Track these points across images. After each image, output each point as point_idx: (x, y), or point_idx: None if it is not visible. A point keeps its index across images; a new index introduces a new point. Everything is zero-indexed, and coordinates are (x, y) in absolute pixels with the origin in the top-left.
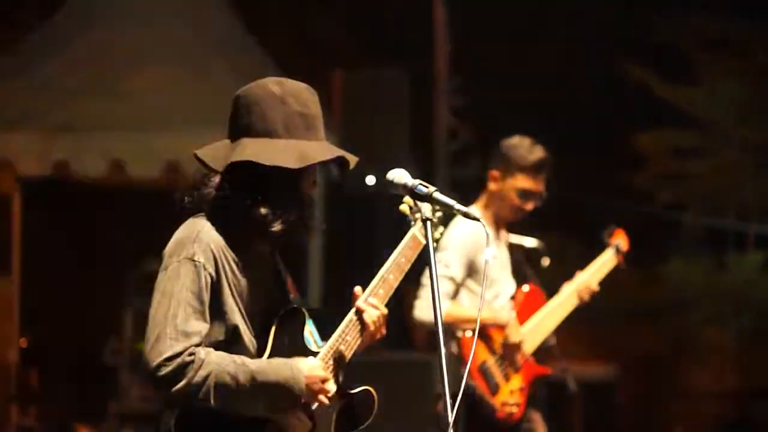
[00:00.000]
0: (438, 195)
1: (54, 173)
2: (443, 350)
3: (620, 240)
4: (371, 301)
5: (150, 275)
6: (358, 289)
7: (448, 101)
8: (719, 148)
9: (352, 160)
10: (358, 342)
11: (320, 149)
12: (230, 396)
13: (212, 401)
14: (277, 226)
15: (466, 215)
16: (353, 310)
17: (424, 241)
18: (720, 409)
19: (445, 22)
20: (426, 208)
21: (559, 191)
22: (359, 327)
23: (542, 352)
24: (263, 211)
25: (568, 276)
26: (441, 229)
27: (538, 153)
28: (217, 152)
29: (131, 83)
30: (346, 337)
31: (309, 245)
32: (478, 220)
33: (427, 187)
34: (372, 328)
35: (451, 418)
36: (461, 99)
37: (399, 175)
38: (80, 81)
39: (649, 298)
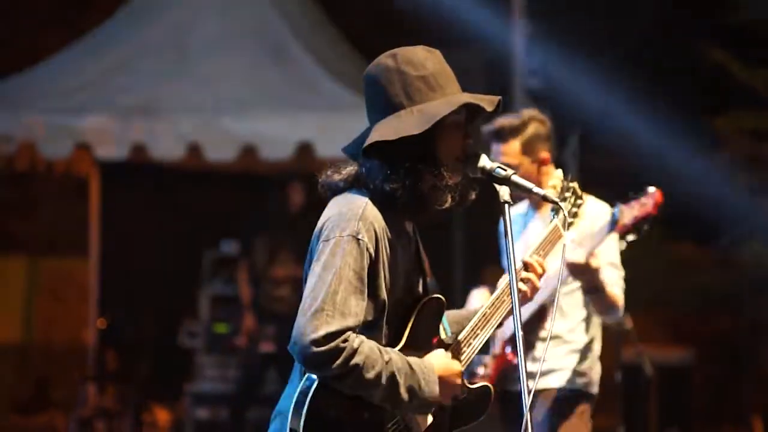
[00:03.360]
0: (516, 178)
1: (131, 156)
2: (520, 334)
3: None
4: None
5: (226, 258)
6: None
7: (524, 83)
8: None
9: (485, 101)
10: (487, 336)
11: (443, 104)
12: (367, 388)
13: (350, 389)
14: (410, 197)
15: (545, 198)
16: (486, 304)
17: (564, 233)
18: None
19: (522, 2)
20: (504, 191)
21: (637, 174)
22: (492, 320)
23: (619, 336)
24: (395, 184)
25: (645, 257)
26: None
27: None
28: (357, 141)
29: (208, 67)
30: (478, 330)
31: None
32: (557, 203)
33: (505, 170)
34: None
35: (527, 403)
36: (537, 81)
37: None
38: (157, 65)
39: (726, 281)
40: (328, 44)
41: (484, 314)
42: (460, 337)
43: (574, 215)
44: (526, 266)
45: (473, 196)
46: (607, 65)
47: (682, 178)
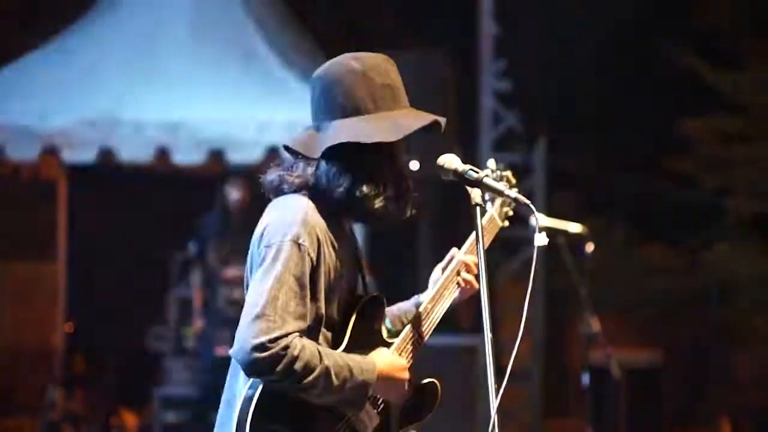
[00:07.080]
0: (488, 180)
1: (99, 160)
2: (489, 336)
3: None
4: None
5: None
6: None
7: (492, 85)
8: (765, 134)
9: (443, 121)
10: (430, 332)
11: (412, 118)
12: (305, 390)
13: (288, 390)
14: (378, 204)
15: (516, 201)
16: (425, 300)
17: (501, 223)
18: (766, 399)
19: (489, 4)
20: (476, 194)
21: (605, 176)
22: (432, 315)
23: (588, 339)
24: (365, 189)
25: (613, 260)
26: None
27: None
28: (307, 139)
29: (176, 69)
30: (421, 327)
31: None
32: (529, 205)
33: (477, 172)
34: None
35: (494, 405)
36: (506, 83)
37: (449, 160)
38: (126, 67)
39: (694, 284)
40: (297, 47)
41: (425, 309)
42: (402, 335)
43: (509, 204)
44: (465, 264)
45: (403, 212)
46: (575, 68)
47: (651, 180)
